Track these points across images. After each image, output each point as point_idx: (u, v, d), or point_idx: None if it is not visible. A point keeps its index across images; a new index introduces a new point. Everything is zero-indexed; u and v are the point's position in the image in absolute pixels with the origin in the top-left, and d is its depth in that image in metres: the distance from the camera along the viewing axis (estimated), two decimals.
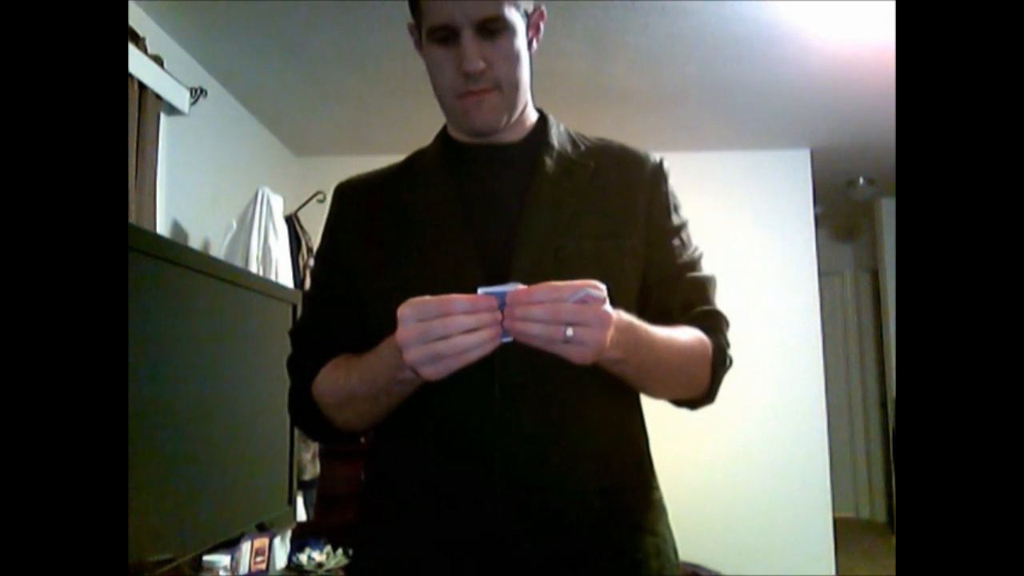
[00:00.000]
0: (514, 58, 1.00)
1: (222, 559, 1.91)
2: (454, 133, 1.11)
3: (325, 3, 2.55)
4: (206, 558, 1.89)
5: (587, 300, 0.81)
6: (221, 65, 3.03)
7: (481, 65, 0.97)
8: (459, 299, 0.80)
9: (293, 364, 1.11)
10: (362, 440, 1.20)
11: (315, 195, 3.50)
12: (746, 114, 3.71)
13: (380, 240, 1.06)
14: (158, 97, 2.50)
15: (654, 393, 1.05)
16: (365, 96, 3.38)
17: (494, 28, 0.97)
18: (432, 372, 0.82)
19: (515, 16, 0.99)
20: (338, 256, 1.10)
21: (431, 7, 0.98)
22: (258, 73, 3.12)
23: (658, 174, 1.10)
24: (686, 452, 3.84)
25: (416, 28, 1.05)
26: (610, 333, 0.83)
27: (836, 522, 4.17)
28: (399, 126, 3.67)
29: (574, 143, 1.10)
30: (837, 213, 5.61)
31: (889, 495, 5.87)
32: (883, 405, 5.94)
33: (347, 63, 3.03)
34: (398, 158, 1.17)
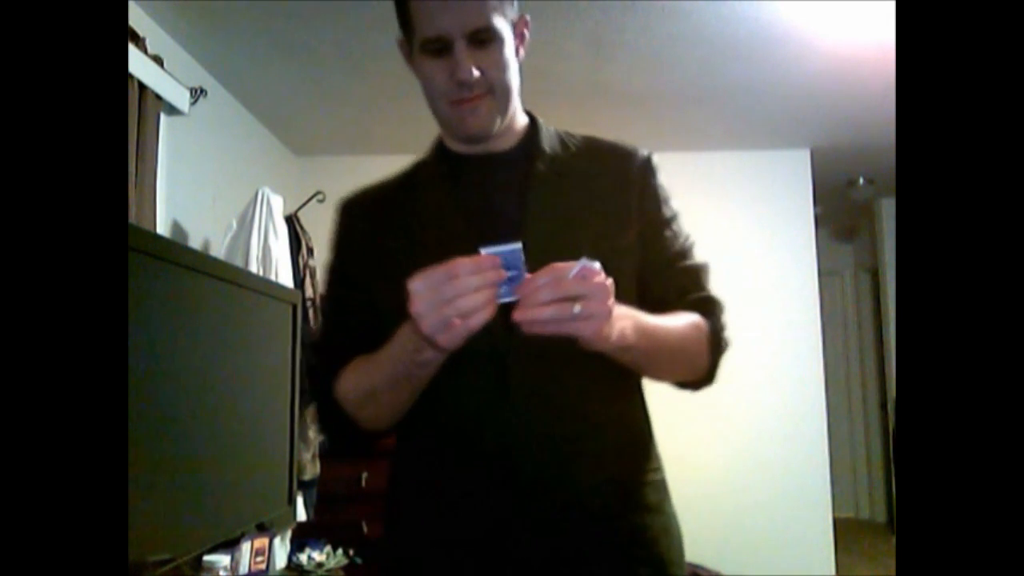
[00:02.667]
0: (504, 65, 1.04)
1: (222, 559, 1.91)
2: (449, 144, 1.15)
3: (325, 3, 2.55)
4: (206, 558, 1.89)
5: (586, 274, 0.85)
6: (221, 65, 3.03)
7: (475, 73, 1.01)
8: (463, 261, 0.85)
9: (314, 376, 1.15)
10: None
11: (315, 195, 3.50)
12: (746, 114, 3.71)
13: (388, 255, 1.09)
14: (158, 97, 2.50)
15: (658, 377, 1.10)
16: (365, 96, 3.38)
17: (485, 38, 1.02)
18: (447, 339, 0.86)
19: (503, 25, 1.04)
20: (350, 272, 1.16)
21: (424, 21, 1.02)
22: (258, 73, 3.12)
23: (647, 168, 1.14)
24: (686, 452, 3.84)
25: (406, 43, 1.09)
26: (612, 304, 0.87)
27: (836, 522, 4.16)
28: (399, 126, 3.67)
29: (564, 144, 1.14)
30: (837, 213, 5.61)
31: (889, 495, 5.87)
32: (883, 405, 5.94)
33: (347, 63, 3.03)
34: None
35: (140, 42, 2.40)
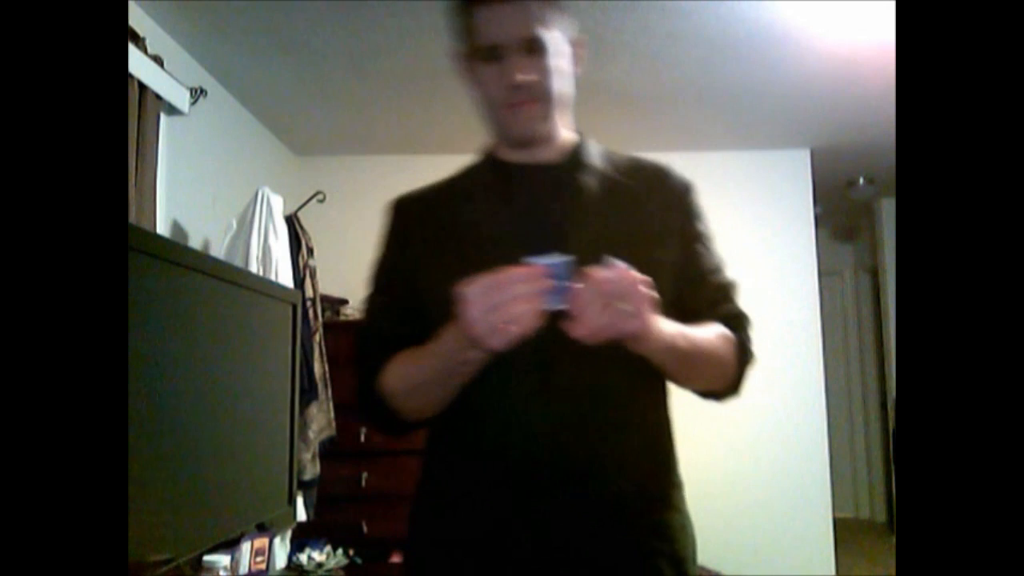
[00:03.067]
0: (553, 74, 1.13)
1: (222, 559, 1.91)
2: (499, 152, 1.21)
3: (325, 3, 2.55)
4: (206, 558, 1.89)
5: (619, 274, 0.93)
6: (221, 65, 3.03)
7: (524, 77, 1.10)
8: (514, 270, 0.92)
9: (360, 364, 1.21)
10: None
11: (315, 195, 3.50)
12: (746, 114, 3.71)
13: (439, 253, 1.16)
14: (158, 97, 2.50)
15: (690, 382, 1.18)
16: (365, 96, 3.38)
17: (535, 47, 1.11)
18: (495, 343, 0.93)
19: (555, 38, 1.13)
20: (400, 267, 1.21)
21: (481, 31, 1.11)
22: (258, 73, 3.12)
23: (686, 189, 1.22)
24: (686, 452, 3.83)
25: (461, 54, 1.18)
26: (646, 296, 0.94)
27: (836, 522, 4.16)
28: (399, 126, 3.67)
29: (611, 162, 1.21)
30: (837, 213, 5.61)
31: (889, 495, 5.87)
32: (883, 405, 5.94)
33: (347, 63, 3.03)
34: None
35: (140, 42, 2.40)
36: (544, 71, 1.12)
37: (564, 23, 1.16)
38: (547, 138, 1.17)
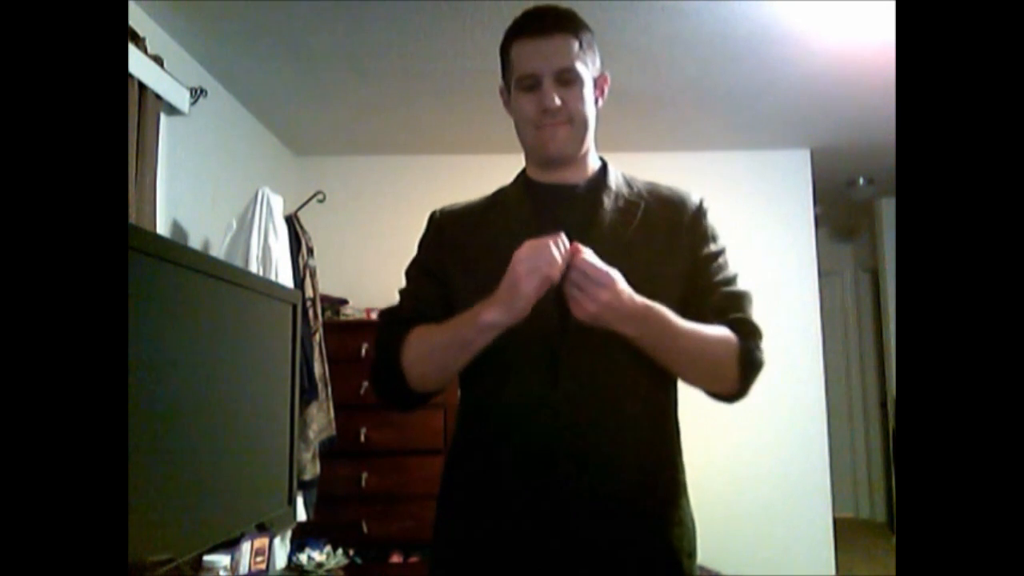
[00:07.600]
0: (582, 101, 1.26)
1: (222, 559, 1.91)
2: (531, 173, 1.35)
3: (325, 3, 2.55)
4: (206, 558, 1.89)
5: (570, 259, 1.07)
6: (221, 65, 3.03)
7: (558, 103, 1.23)
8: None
9: (381, 336, 1.30)
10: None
11: (315, 195, 3.50)
12: (746, 114, 3.71)
13: (471, 257, 1.29)
14: (158, 97, 2.50)
15: (682, 374, 1.25)
16: (365, 96, 3.38)
17: (568, 78, 1.24)
18: (530, 285, 1.08)
19: (584, 71, 1.26)
20: (431, 265, 1.34)
21: (521, 63, 1.25)
22: (258, 73, 3.12)
23: (698, 211, 1.32)
24: (686, 452, 3.84)
25: (505, 87, 1.31)
26: (606, 293, 1.08)
27: (836, 522, 4.16)
28: (399, 126, 3.67)
29: (629, 185, 1.34)
30: (837, 213, 5.61)
31: (889, 495, 5.87)
32: (883, 405, 5.94)
33: (347, 63, 3.03)
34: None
35: (140, 42, 2.40)
36: (575, 98, 1.24)
37: (593, 59, 1.29)
38: (574, 159, 1.29)
